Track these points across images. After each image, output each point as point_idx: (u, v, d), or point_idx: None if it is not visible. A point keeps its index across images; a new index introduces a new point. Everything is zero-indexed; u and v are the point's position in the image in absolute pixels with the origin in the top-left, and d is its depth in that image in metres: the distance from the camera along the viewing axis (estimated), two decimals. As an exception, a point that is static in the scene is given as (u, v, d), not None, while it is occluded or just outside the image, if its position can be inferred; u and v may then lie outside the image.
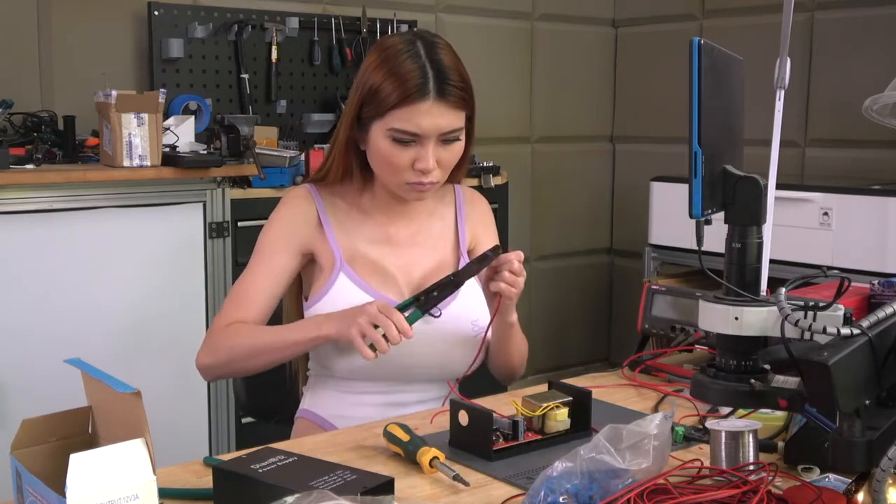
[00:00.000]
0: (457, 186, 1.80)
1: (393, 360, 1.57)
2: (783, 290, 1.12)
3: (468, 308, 1.68)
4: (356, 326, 1.47)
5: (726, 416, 1.41)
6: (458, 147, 1.61)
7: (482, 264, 1.57)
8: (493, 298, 1.62)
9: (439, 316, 1.59)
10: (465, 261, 1.74)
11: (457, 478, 1.20)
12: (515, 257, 1.57)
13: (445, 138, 1.57)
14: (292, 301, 1.78)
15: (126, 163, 2.68)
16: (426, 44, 1.57)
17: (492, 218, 1.84)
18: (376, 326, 1.47)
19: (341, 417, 1.65)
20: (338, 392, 1.69)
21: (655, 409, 1.56)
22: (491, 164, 3.58)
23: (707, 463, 1.20)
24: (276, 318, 1.70)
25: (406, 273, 1.68)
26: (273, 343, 1.59)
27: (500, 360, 1.73)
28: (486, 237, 1.80)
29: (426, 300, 1.55)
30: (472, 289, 1.70)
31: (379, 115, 1.56)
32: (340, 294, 1.63)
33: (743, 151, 1.28)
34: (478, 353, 1.67)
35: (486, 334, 1.67)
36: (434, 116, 1.54)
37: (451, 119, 1.56)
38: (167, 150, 2.82)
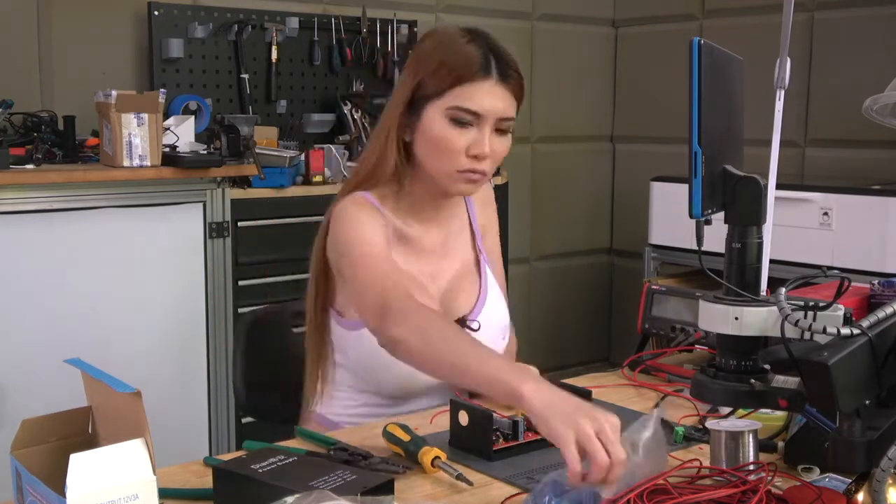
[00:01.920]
0: None
1: (428, 386, 1.56)
2: (783, 290, 1.12)
3: (495, 311, 1.67)
4: (573, 428, 1.08)
5: (726, 416, 1.41)
6: (509, 140, 1.58)
7: None
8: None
9: (478, 329, 1.59)
10: (483, 258, 1.71)
11: (460, 477, 1.20)
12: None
13: (500, 126, 1.54)
14: (317, 303, 1.65)
15: (126, 163, 2.68)
16: (482, 34, 1.57)
17: (493, 200, 1.79)
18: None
19: (351, 423, 1.63)
20: (346, 392, 1.66)
21: (655, 409, 1.56)
22: (491, 164, 3.58)
23: (707, 463, 1.20)
24: (276, 327, 1.65)
25: (434, 281, 1.65)
26: (453, 371, 1.34)
27: None
28: (490, 222, 1.77)
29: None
30: (494, 292, 1.69)
31: (438, 93, 1.51)
32: None
33: (743, 151, 1.28)
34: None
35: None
36: (496, 98, 1.51)
37: (509, 105, 1.54)
38: (167, 150, 2.82)
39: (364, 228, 1.54)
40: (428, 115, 1.53)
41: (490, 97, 1.51)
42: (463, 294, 1.66)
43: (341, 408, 1.68)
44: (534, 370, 1.35)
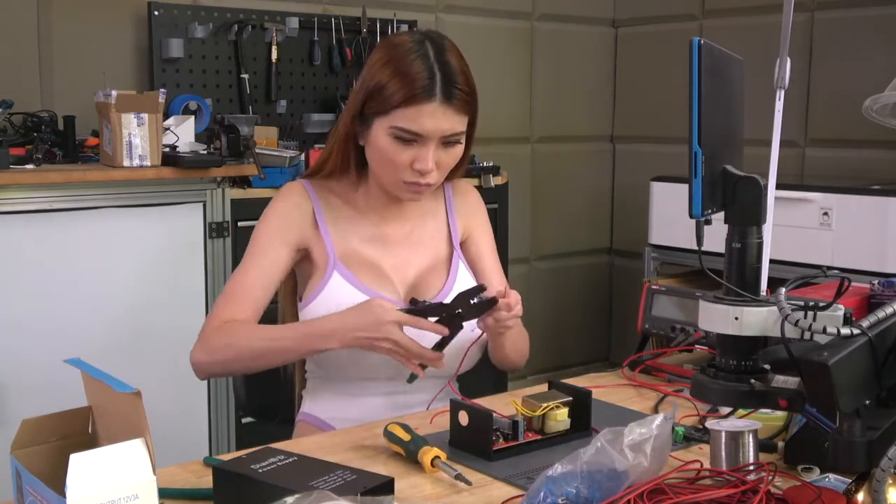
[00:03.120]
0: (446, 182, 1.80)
1: (382, 362, 1.58)
2: (783, 290, 1.12)
3: None
4: (381, 342, 1.50)
5: (726, 416, 1.41)
6: (458, 150, 1.62)
7: (479, 310, 1.54)
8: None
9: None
10: (458, 254, 1.74)
11: (459, 477, 1.21)
12: (515, 301, 1.55)
13: (446, 141, 1.58)
14: (287, 300, 1.77)
15: (126, 163, 2.68)
16: (435, 45, 1.57)
17: (483, 207, 1.82)
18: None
19: (342, 420, 1.65)
20: (337, 394, 1.68)
21: (655, 410, 1.56)
22: (491, 164, 3.58)
23: (707, 463, 1.20)
24: (270, 317, 1.70)
25: (400, 273, 1.68)
26: (270, 349, 1.58)
27: (497, 356, 1.73)
28: (478, 227, 1.79)
29: (415, 313, 1.53)
30: (464, 283, 1.71)
31: (383, 111, 1.55)
32: (334, 293, 1.62)
33: (743, 151, 1.28)
34: (462, 359, 1.63)
35: (468, 349, 1.63)
36: (438, 119, 1.54)
37: (455, 122, 1.56)
38: (167, 150, 2.82)
39: (267, 225, 1.66)
40: (375, 129, 1.58)
41: (432, 119, 1.54)
42: (427, 286, 1.68)
43: (330, 410, 1.69)
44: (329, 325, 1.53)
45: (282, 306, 1.79)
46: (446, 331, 1.52)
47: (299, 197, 1.68)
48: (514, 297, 1.55)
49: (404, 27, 3.71)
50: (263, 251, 1.64)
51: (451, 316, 1.53)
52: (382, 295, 1.63)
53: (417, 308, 1.55)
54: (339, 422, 1.65)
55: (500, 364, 1.75)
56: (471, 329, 1.63)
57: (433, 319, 1.52)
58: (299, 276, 1.73)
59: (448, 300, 1.58)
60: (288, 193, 1.70)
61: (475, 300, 1.53)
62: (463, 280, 1.72)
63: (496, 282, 1.75)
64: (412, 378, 1.56)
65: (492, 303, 1.53)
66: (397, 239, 1.71)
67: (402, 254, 1.70)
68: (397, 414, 1.60)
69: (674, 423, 1.40)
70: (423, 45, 1.56)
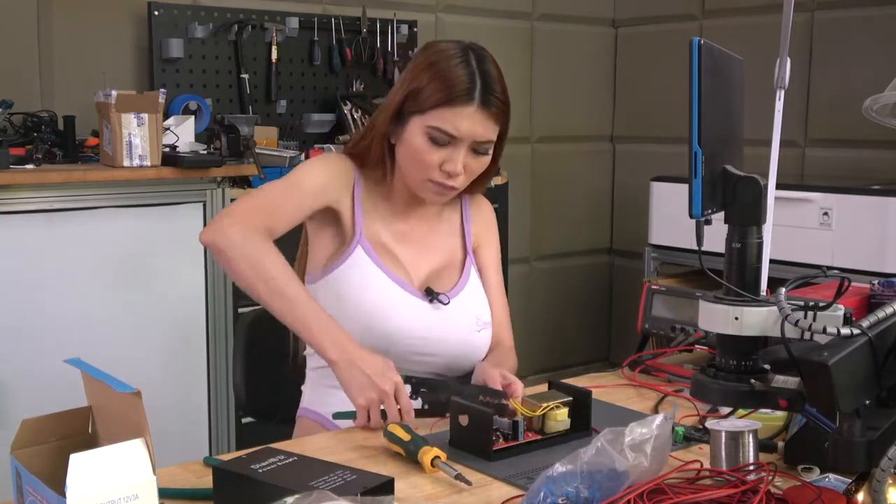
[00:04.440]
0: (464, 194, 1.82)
1: (388, 345, 1.60)
2: (783, 290, 1.12)
3: (472, 301, 1.72)
4: (364, 397, 1.45)
5: (726, 416, 1.41)
6: (485, 160, 1.66)
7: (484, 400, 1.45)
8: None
9: (448, 303, 1.65)
10: (471, 259, 1.77)
11: (459, 477, 1.21)
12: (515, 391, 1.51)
13: (477, 148, 1.62)
14: (300, 265, 1.76)
15: (126, 163, 2.68)
16: (477, 55, 1.63)
17: (494, 221, 1.86)
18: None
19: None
20: (336, 388, 1.68)
21: (655, 409, 1.56)
22: (491, 164, 3.58)
23: (707, 463, 1.20)
24: (276, 327, 1.68)
25: (415, 267, 1.71)
26: (282, 308, 1.53)
27: None
28: (488, 241, 1.82)
29: (416, 385, 1.51)
30: (474, 286, 1.74)
31: (421, 110, 1.60)
32: (358, 266, 1.64)
33: (743, 151, 1.28)
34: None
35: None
36: (474, 123, 1.59)
37: (488, 129, 1.61)
38: (167, 150, 2.82)
39: (313, 170, 1.67)
40: (410, 127, 1.62)
41: (469, 122, 1.58)
42: (440, 283, 1.71)
43: (330, 405, 1.69)
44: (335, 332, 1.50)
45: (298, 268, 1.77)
46: (411, 416, 1.46)
47: (347, 165, 1.70)
48: (518, 389, 1.52)
49: (404, 27, 3.72)
50: (305, 191, 1.63)
51: (439, 385, 1.50)
52: (402, 280, 1.65)
53: (423, 379, 1.52)
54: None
55: None
56: (475, 321, 1.68)
57: (416, 403, 1.49)
58: (318, 246, 1.72)
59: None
60: (336, 157, 1.72)
61: (483, 397, 1.43)
62: (474, 282, 1.74)
63: (496, 299, 1.78)
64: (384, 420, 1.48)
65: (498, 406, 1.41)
66: (415, 237, 1.74)
67: (417, 250, 1.73)
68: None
69: (674, 423, 1.40)
70: (466, 54, 1.62)
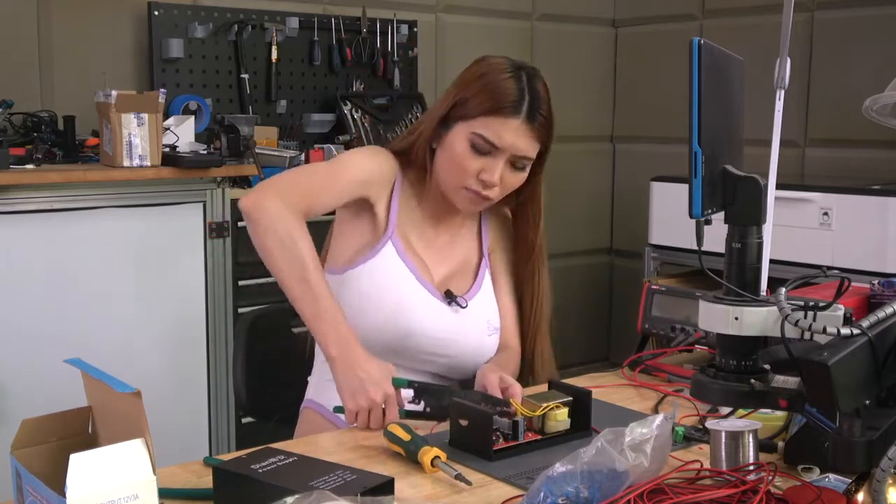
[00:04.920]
0: None
1: (404, 342, 1.63)
2: (783, 290, 1.12)
3: (485, 306, 1.73)
4: (354, 402, 1.46)
5: (726, 416, 1.41)
6: (522, 176, 1.68)
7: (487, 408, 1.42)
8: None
9: (466, 307, 1.67)
10: (486, 262, 1.78)
11: (459, 477, 1.21)
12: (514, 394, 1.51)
13: (515, 162, 1.64)
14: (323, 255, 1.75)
15: (126, 163, 2.68)
16: (528, 73, 1.66)
17: (509, 223, 1.85)
18: None
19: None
20: None
21: (655, 409, 1.56)
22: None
23: (707, 463, 1.20)
24: (276, 327, 1.68)
25: (435, 270, 1.73)
26: (300, 294, 1.53)
27: None
28: (503, 245, 1.82)
29: (418, 389, 1.49)
30: (487, 291, 1.75)
31: (467, 117, 1.62)
32: (385, 261, 1.66)
33: (743, 151, 1.28)
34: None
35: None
36: (517, 136, 1.61)
37: (529, 145, 1.64)
38: (167, 150, 2.82)
39: (359, 160, 1.68)
40: (454, 132, 1.64)
41: (513, 134, 1.61)
42: (456, 286, 1.73)
43: (335, 399, 1.68)
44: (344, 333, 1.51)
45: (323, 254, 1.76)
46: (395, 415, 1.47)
47: (392, 162, 1.71)
48: (516, 392, 1.52)
49: (404, 27, 3.72)
50: (349, 178, 1.64)
51: (443, 392, 1.49)
52: (426, 281, 1.67)
53: (426, 385, 1.51)
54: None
55: None
56: (486, 325, 1.70)
57: (418, 406, 1.49)
58: (348, 234, 1.71)
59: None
60: (384, 153, 1.72)
61: (483, 405, 1.41)
62: (487, 289, 1.75)
63: (506, 304, 1.79)
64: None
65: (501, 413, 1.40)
66: (438, 244, 1.75)
67: (439, 255, 1.74)
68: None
69: (674, 423, 1.40)
70: (518, 71, 1.65)
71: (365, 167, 1.68)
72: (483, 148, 1.61)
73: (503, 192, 1.67)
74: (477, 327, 1.70)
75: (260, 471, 1.12)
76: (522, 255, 1.81)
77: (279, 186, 1.59)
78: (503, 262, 1.82)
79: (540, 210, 1.77)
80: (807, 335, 1.08)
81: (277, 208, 1.54)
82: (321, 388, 1.73)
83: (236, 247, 2.93)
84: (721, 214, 1.17)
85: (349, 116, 3.53)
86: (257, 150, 2.96)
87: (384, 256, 1.66)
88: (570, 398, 1.40)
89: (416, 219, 1.73)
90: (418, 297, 1.65)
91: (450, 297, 1.68)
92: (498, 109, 1.60)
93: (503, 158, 1.62)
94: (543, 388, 1.48)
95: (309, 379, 1.78)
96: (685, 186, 1.11)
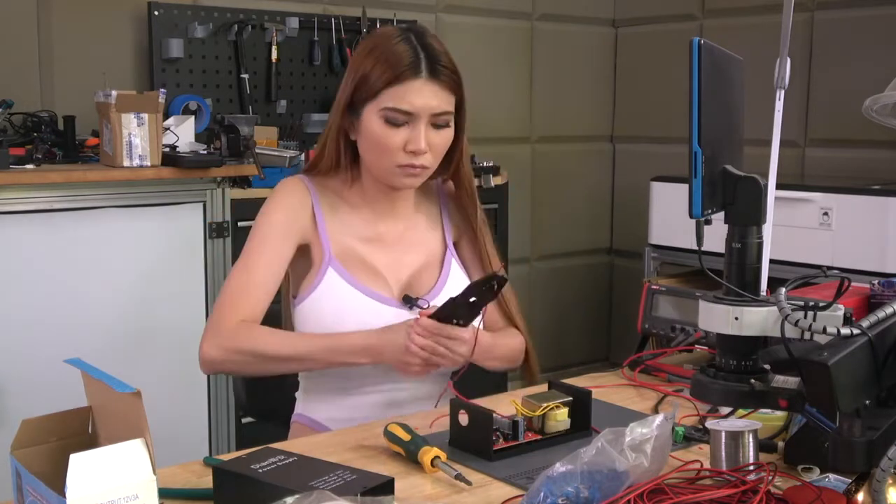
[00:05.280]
0: (440, 180, 1.80)
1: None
2: (783, 290, 1.12)
3: None
4: (408, 368, 1.54)
5: (726, 416, 1.41)
6: (448, 133, 1.63)
7: (491, 291, 1.52)
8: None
9: (427, 308, 1.60)
10: (451, 252, 1.75)
11: (459, 477, 1.21)
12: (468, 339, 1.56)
13: (436, 122, 1.60)
14: (287, 300, 1.77)
15: (126, 163, 2.68)
16: (416, 32, 1.62)
17: (476, 210, 1.78)
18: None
19: (336, 420, 1.65)
20: (331, 394, 1.68)
21: (655, 409, 1.56)
22: (491, 164, 3.58)
23: (707, 463, 1.20)
24: (276, 327, 1.69)
25: (394, 271, 1.69)
26: (293, 358, 1.58)
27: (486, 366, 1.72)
28: (471, 232, 1.77)
29: (441, 318, 1.52)
30: (455, 283, 1.71)
31: (372, 96, 1.59)
32: (329, 290, 1.63)
33: (743, 151, 1.28)
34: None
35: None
36: (426, 96, 1.57)
37: (442, 100, 1.59)
38: (167, 150, 2.81)
39: (270, 218, 1.66)
40: (366, 115, 1.61)
41: (420, 96, 1.57)
42: (420, 285, 1.69)
43: (325, 411, 1.69)
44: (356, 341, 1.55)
45: (284, 306, 1.78)
46: (468, 335, 1.54)
47: (300, 192, 1.68)
48: (468, 333, 1.56)
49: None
50: (270, 246, 1.64)
51: (468, 306, 1.52)
52: (375, 292, 1.63)
53: (438, 311, 1.53)
54: (333, 422, 1.65)
55: (492, 370, 1.74)
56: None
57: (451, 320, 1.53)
58: (292, 274, 1.72)
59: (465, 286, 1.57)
60: (290, 188, 1.69)
61: (482, 286, 1.50)
62: (455, 278, 1.72)
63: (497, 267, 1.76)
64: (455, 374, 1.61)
65: (501, 281, 1.49)
66: (391, 238, 1.71)
67: (395, 253, 1.70)
68: (392, 413, 1.60)
69: (674, 423, 1.40)
70: (406, 32, 1.62)
71: (278, 222, 1.65)
72: (398, 120, 1.58)
73: (436, 156, 1.63)
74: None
75: (260, 471, 1.12)
76: (468, 233, 1.78)
77: (207, 329, 1.59)
78: (478, 251, 1.78)
79: (471, 177, 1.73)
80: (807, 335, 1.08)
81: (216, 350, 1.57)
82: (308, 402, 1.72)
83: (236, 247, 2.93)
84: (721, 214, 1.17)
85: (349, 116, 3.52)
86: (257, 150, 2.95)
87: (326, 284, 1.63)
88: (570, 398, 1.40)
89: (354, 226, 1.69)
90: (372, 314, 1.61)
91: (409, 302, 1.64)
92: (398, 76, 1.56)
93: (422, 123, 1.58)
94: (543, 388, 1.48)
95: (296, 395, 1.78)
96: (685, 186, 1.11)
